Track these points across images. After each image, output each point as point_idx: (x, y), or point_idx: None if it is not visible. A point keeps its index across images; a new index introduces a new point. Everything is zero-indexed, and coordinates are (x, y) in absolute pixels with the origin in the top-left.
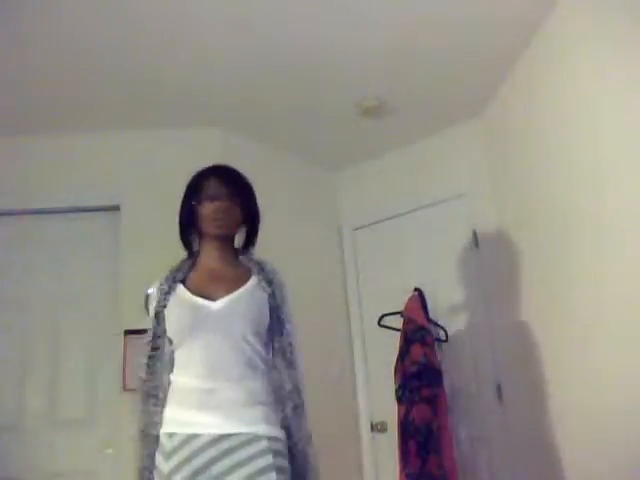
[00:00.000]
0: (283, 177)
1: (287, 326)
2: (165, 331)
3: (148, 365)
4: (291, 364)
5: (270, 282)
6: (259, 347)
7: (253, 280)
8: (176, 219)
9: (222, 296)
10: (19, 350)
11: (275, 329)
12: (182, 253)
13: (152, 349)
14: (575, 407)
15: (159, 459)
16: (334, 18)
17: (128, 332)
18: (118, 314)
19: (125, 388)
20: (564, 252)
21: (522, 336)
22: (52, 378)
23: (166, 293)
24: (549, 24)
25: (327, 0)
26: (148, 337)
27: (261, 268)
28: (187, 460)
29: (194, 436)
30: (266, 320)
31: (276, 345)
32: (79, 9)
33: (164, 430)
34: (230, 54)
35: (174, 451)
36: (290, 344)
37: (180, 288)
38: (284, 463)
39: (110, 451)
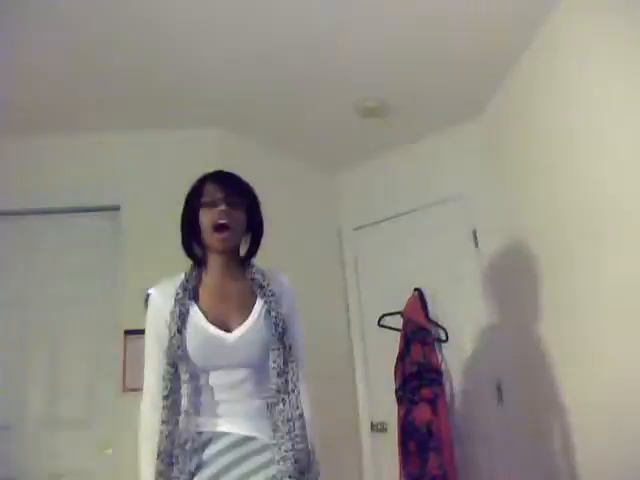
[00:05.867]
0: (283, 177)
1: (295, 348)
2: (184, 351)
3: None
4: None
5: (275, 301)
6: (271, 367)
7: (259, 303)
8: (176, 219)
9: (236, 326)
10: (19, 350)
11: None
12: (181, 253)
13: (170, 370)
14: (575, 406)
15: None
16: (334, 18)
17: (128, 332)
18: (118, 314)
19: (125, 388)
20: (564, 252)
21: (522, 336)
22: (52, 378)
23: (183, 315)
24: (550, 24)
25: (327, 0)
26: (168, 357)
27: (263, 286)
28: (209, 461)
29: (222, 434)
30: (274, 342)
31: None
32: (79, 9)
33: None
34: (230, 54)
35: (195, 452)
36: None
37: (195, 310)
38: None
39: (110, 451)
